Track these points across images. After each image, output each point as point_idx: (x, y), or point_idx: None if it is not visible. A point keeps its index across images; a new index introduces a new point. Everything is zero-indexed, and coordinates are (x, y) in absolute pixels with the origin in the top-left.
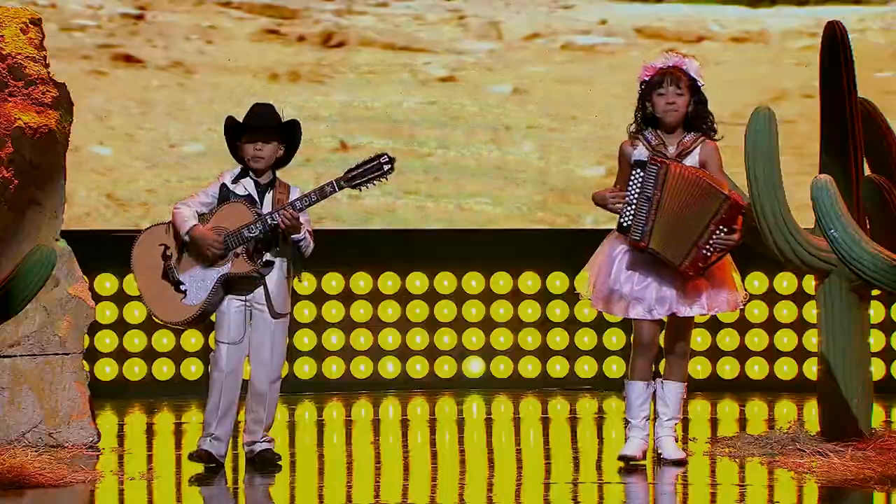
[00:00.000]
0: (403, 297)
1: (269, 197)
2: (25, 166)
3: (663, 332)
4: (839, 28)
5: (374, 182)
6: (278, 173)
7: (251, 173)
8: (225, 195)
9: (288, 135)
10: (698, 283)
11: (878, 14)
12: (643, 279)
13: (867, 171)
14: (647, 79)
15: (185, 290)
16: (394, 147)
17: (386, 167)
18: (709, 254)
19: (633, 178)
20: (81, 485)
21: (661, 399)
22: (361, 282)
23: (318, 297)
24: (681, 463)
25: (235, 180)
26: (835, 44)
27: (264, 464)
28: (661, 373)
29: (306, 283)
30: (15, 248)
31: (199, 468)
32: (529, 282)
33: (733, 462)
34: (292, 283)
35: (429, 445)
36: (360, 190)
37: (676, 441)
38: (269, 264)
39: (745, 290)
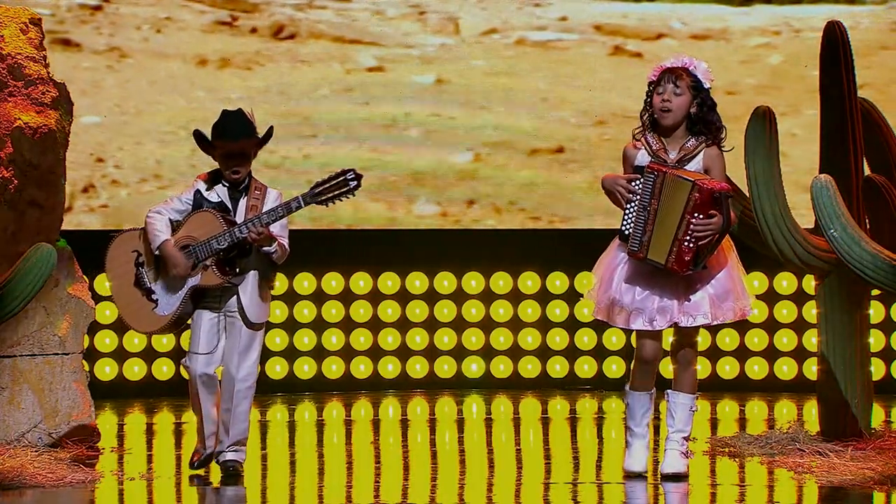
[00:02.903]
0: (403, 297)
1: (243, 203)
2: (25, 166)
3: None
4: (839, 28)
5: (340, 198)
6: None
7: (223, 180)
8: (199, 202)
9: (263, 140)
10: (701, 293)
11: (848, 13)
12: (644, 290)
13: (867, 171)
14: (653, 79)
15: (157, 300)
16: (278, 126)
17: (352, 183)
18: (690, 245)
19: (635, 184)
20: (81, 485)
21: (670, 412)
22: (361, 282)
23: (318, 298)
24: (678, 477)
25: (209, 187)
26: (834, 44)
27: (225, 473)
28: (672, 383)
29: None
30: (15, 248)
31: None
32: (529, 282)
33: (733, 462)
34: (268, 292)
35: (429, 445)
36: (327, 206)
37: (685, 456)
38: (240, 275)
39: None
